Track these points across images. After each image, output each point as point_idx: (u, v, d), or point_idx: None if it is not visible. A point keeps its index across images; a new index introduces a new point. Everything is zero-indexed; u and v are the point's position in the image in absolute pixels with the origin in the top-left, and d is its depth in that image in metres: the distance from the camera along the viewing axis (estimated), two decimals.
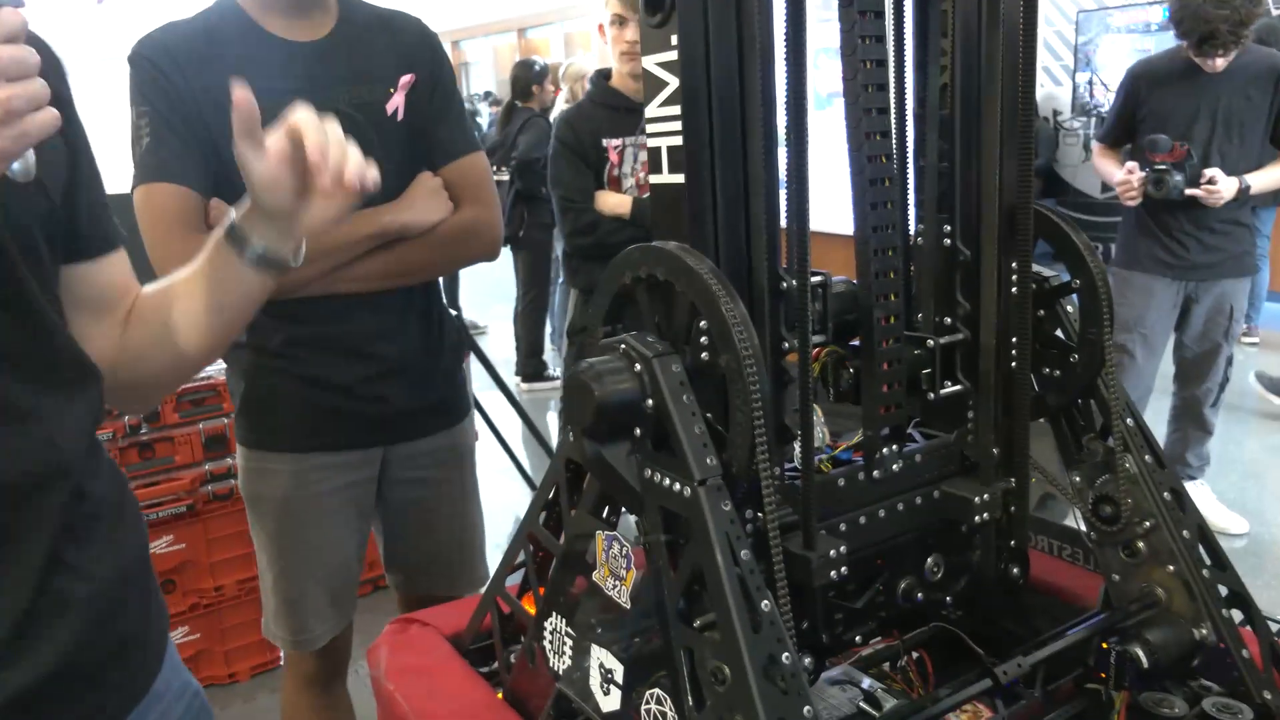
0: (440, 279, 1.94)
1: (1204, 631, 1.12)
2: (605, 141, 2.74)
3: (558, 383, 5.85)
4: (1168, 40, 5.02)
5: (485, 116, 10.73)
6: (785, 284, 1.03)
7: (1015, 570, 1.20)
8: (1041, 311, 1.22)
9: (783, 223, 1.02)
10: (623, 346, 0.95)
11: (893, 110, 1.10)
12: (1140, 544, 1.18)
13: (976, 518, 1.13)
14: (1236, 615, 1.16)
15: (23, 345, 0.92)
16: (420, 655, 1.33)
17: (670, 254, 0.94)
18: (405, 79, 1.71)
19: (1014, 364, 1.15)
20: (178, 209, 1.55)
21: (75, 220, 1.04)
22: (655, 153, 1.00)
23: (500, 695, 1.25)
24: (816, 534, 0.99)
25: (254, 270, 1.10)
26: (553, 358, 6.32)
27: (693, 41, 0.95)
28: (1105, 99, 5.53)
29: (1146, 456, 1.19)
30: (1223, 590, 1.16)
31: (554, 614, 1.13)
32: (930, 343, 1.14)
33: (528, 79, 6.09)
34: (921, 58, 1.14)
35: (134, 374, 1.13)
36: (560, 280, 5.86)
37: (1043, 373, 1.24)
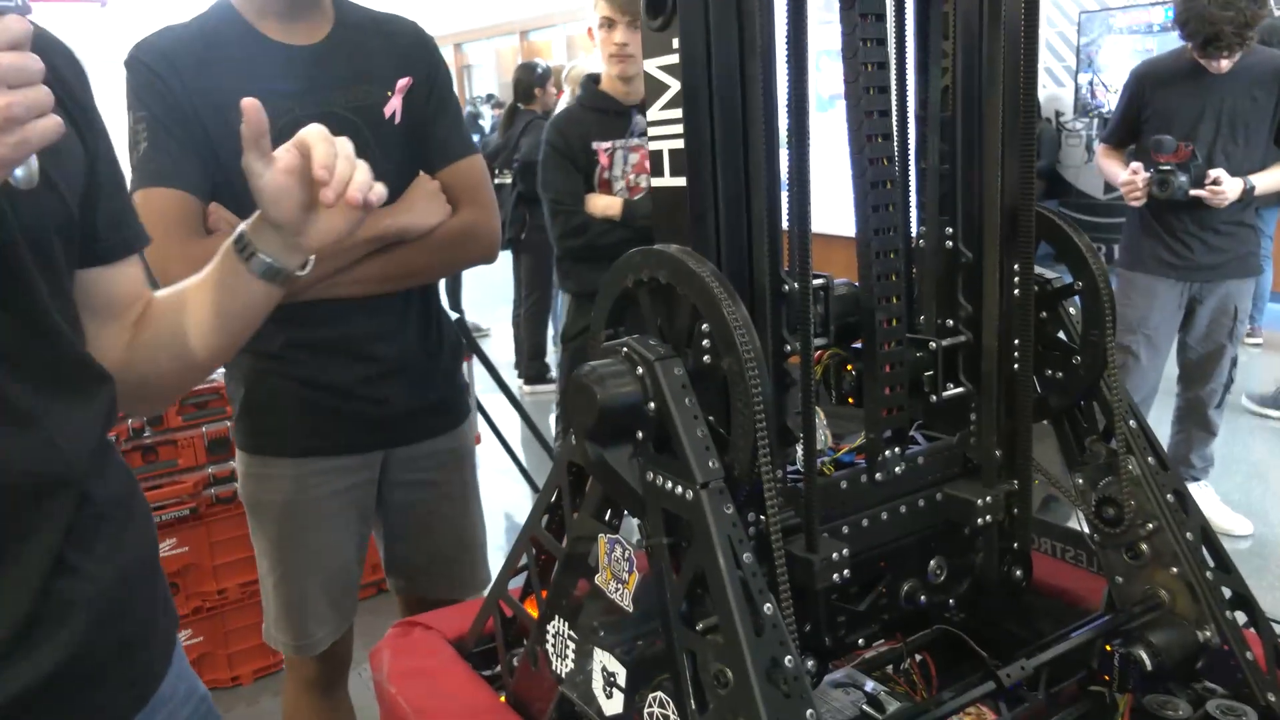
0: (442, 281, 1.94)
1: (1208, 634, 1.12)
2: (595, 144, 2.74)
3: None
4: (1170, 41, 5.02)
5: (488, 119, 10.73)
6: (787, 287, 1.03)
7: (1018, 572, 1.19)
8: (1044, 313, 1.22)
9: (784, 225, 1.02)
10: (625, 350, 0.95)
11: (894, 113, 1.10)
12: (1143, 546, 1.17)
13: (979, 520, 1.13)
14: (1240, 617, 1.16)
15: (28, 348, 0.93)
16: (423, 658, 1.33)
17: (672, 257, 0.94)
18: (402, 82, 1.71)
19: (1016, 366, 1.15)
20: (176, 213, 1.56)
21: (93, 225, 1.05)
22: (657, 156, 1.00)
23: (503, 698, 1.25)
24: (819, 537, 0.99)
25: (260, 281, 1.11)
26: (555, 360, 6.32)
27: (694, 44, 0.95)
28: (1108, 100, 5.53)
29: (1149, 458, 1.18)
30: (1226, 592, 1.16)
31: (556, 617, 1.13)
32: (932, 345, 1.14)
33: (530, 82, 6.09)
34: (923, 60, 1.14)
35: (142, 377, 1.13)
36: None
37: (1045, 375, 1.24)
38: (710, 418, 0.93)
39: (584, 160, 2.76)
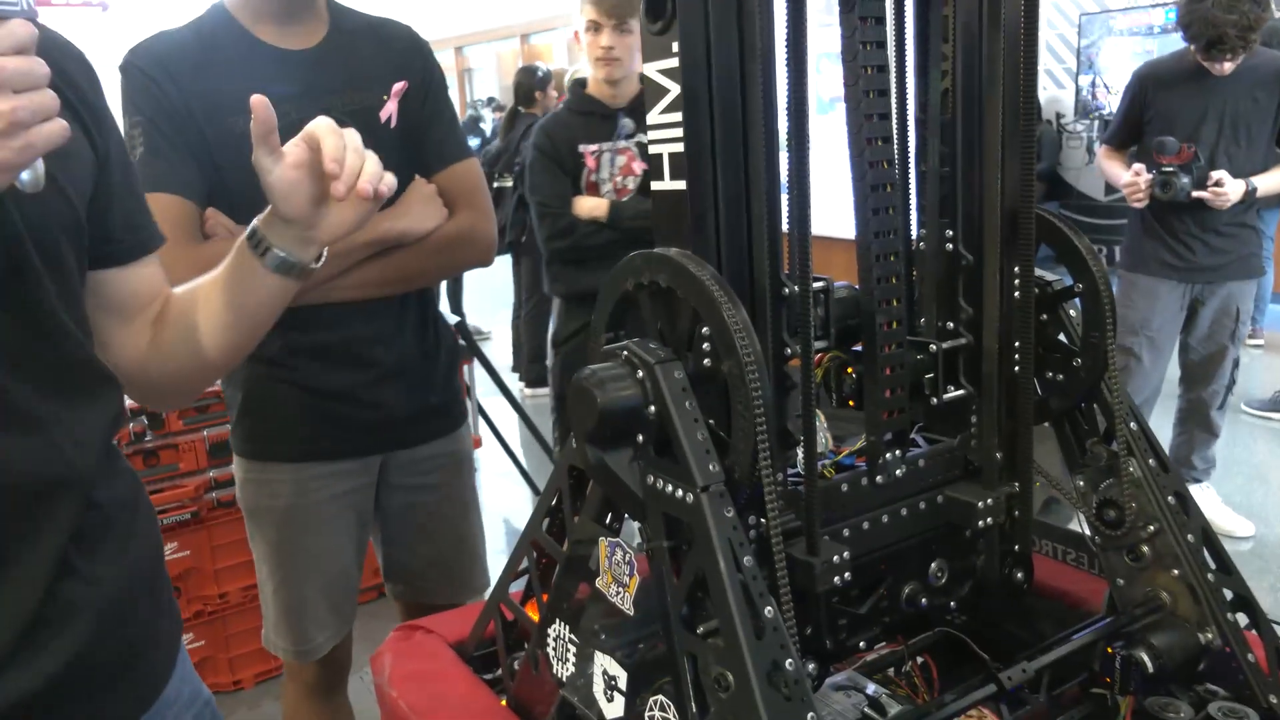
0: (444, 284, 1.94)
1: (1209, 635, 1.12)
2: (581, 147, 2.75)
3: None
4: (1170, 43, 5.02)
5: (489, 122, 10.74)
6: (787, 289, 1.03)
7: (1019, 575, 1.19)
8: (1044, 315, 1.22)
9: (784, 228, 1.02)
10: (625, 353, 0.96)
11: (894, 115, 1.10)
12: (1144, 548, 1.17)
13: (980, 522, 1.13)
14: (1242, 619, 1.16)
15: (36, 351, 0.93)
16: (424, 662, 1.33)
17: (672, 260, 0.94)
18: (398, 86, 1.71)
19: (1017, 368, 1.15)
20: (173, 219, 1.56)
21: (106, 227, 1.05)
22: (657, 159, 1.00)
23: (504, 702, 1.25)
24: (820, 539, 0.99)
25: (275, 276, 1.11)
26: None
27: (694, 48, 0.95)
28: (1108, 102, 5.53)
29: (1150, 460, 1.18)
30: (1228, 594, 1.16)
31: (557, 620, 1.13)
32: (933, 347, 1.14)
33: (531, 85, 6.09)
34: (923, 62, 1.14)
35: (161, 375, 1.14)
36: None
37: (1045, 377, 1.23)
38: (711, 421, 0.93)
39: (571, 164, 2.76)
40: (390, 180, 1.07)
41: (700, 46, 0.95)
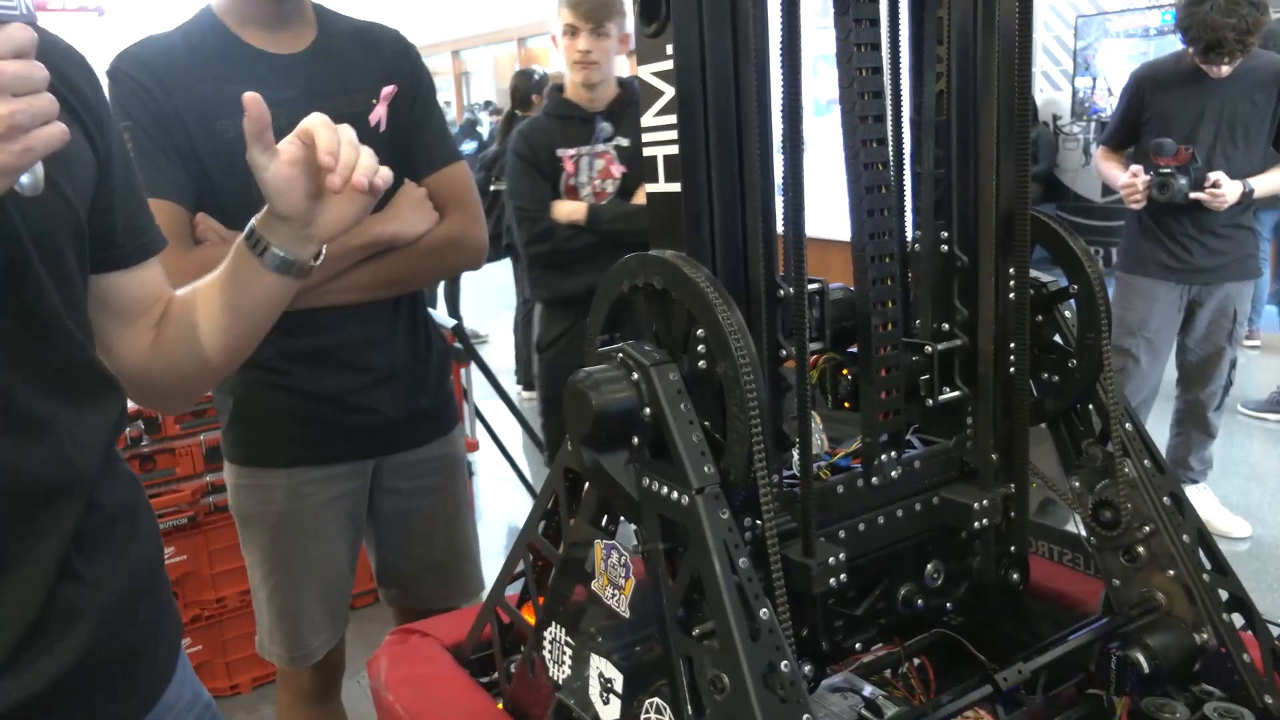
0: (442, 288, 1.94)
1: (1205, 636, 1.12)
2: (560, 152, 2.75)
3: None
4: (1166, 45, 5.03)
5: (486, 126, 10.75)
6: (782, 291, 1.03)
7: (1015, 576, 1.19)
8: (1039, 317, 1.22)
9: (779, 230, 1.02)
10: (620, 355, 0.96)
11: (889, 117, 1.10)
12: (1140, 549, 1.17)
13: (976, 523, 1.13)
14: (1238, 619, 1.16)
15: (38, 354, 0.93)
16: (420, 665, 1.33)
17: (667, 263, 0.95)
18: (387, 90, 1.71)
19: (1012, 370, 1.15)
20: (164, 224, 1.54)
21: (108, 230, 1.05)
22: (651, 161, 1.00)
23: (500, 705, 1.25)
24: (815, 541, 0.99)
25: (274, 275, 1.11)
26: None
27: (688, 50, 0.95)
28: (1106, 104, 5.54)
29: (1146, 461, 1.18)
30: (1223, 594, 1.16)
31: (553, 623, 1.13)
32: (928, 349, 1.14)
33: (527, 88, 6.10)
34: (917, 64, 1.14)
35: (164, 377, 1.14)
36: None
37: (1041, 378, 1.24)
38: (706, 423, 0.93)
39: (550, 168, 2.77)
40: (385, 174, 1.07)
41: (694, 49, 0.96)
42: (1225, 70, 3.32)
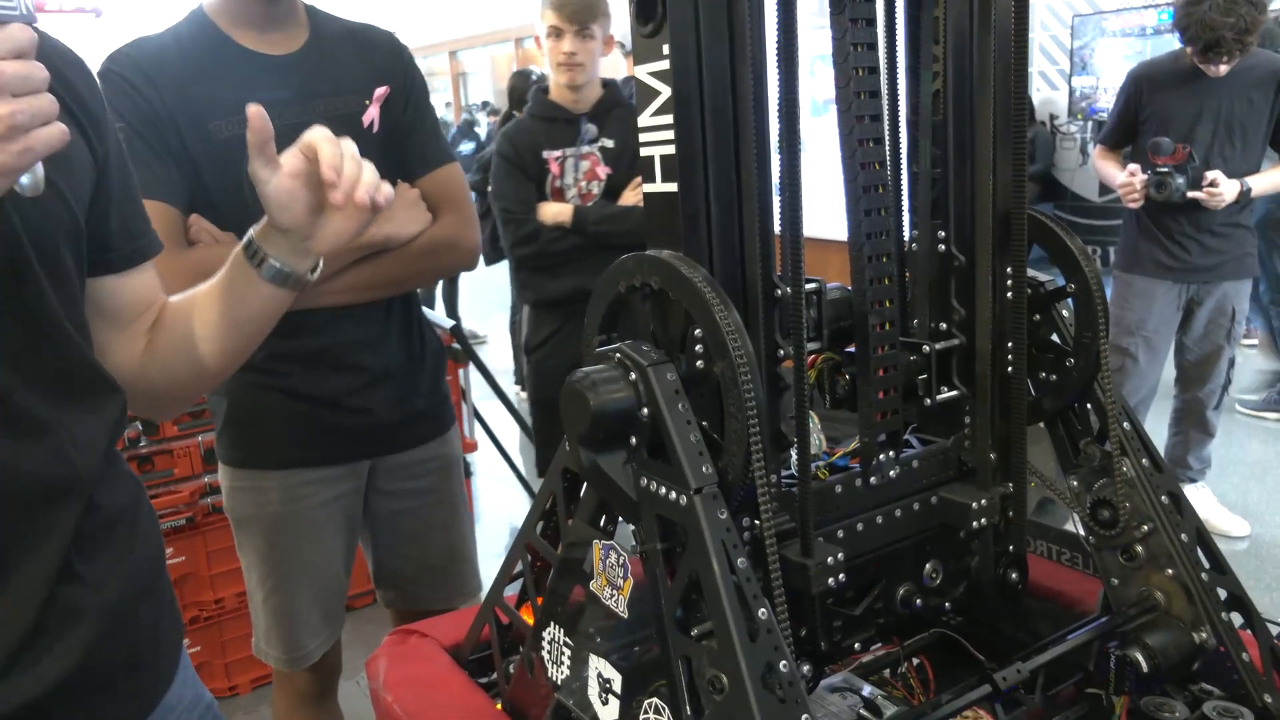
0: (440, 288, 1.95)
1: (1203, 635, 1.12)
2: (545, 154, 2.75)
3: None
4: (1163, 44, 5.03)
5: (483, 126, 10.74)
6: (779, 291, 1.03)
7: (1014, 575, 1.19)
8: (1037, 316, 1.22)
9: (777, 230, 1.02)
10: (617, 355, 0.96)
11: (886, 117, 1.10)
12: (1139, 548, 1.17)
13: (974, 523, 1.13)
14: (1236, 618, 1.16)
15: (38, 355, 0.93)
16: (419, 666, 1.33)
17: (664, 263, 0.95)
18: (380, 91, 1.71)
19: (1010, 369, 1.15)
20: (157, 225, 1.56)
21: (104, 233, 1.05)
22: (648, 162, 1.00)
23: (499, 706, 1.25)
24: (814, 541, 0.99)
25: (271, 286, 1.11)
26: None
27: (684, 50, 0.95)
28: (1104, 103, 5.54)
29: (1144, 460, 1.18)
30: (1222, 593, 1.16)
31: (552, 624, 1.13)
32: (926, 348, 1.14)
33: (525, 89, 6.05)
34: (914, 64, 1.14)
35: (157, 382, 1.14)
36: None
37: (1039, 377, 1.24)
38: (704, 423, 0.93)
39: (535, 170, 2.77)
40: (387, 190, 1.07)
41: (691, 49, 0.96)
42: (1223, 69, 3.32)
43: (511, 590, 1.28)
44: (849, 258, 1.07)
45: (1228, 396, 3.87)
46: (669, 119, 0.97)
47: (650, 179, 1.01)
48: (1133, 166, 3.47)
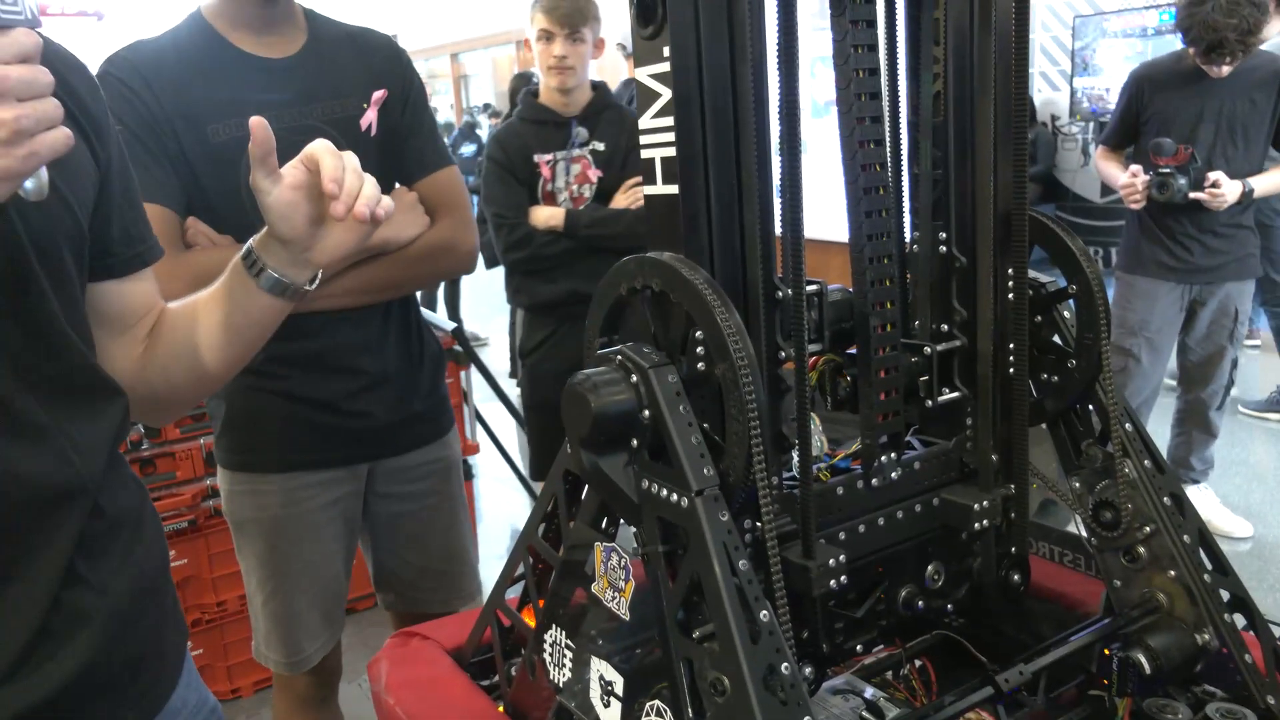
0: (442, 290, 1.95)
1: (1206, 636, 1.12)
2: (536, 157, 2.75)
3: None
4: (1164, 45, 5.03)
5: (484, 128, 10.75)
6: (781, 293, 1.03)
7: (1016, 577, 1.19)
8: (1038, 317, 1.22)
9: (777, 231, 1.02)
10: (619, 357, 0.95)
11: (887, 118, 1.10)
12: (1141, 549, 1.17)
13: (976, 525, 1.13)
14: (1239, 620, 1.15)
15: (41, 361, 0.93)
16: (421, 668, 1.33)
17: (665, 265, 0.94)
18: (378, 94, 1.72)
19: (1012, 370, 1.15)
20: (155, 228, 1.56)
21: (105, 239, 1.05)
22: (649, 164, 1.00)
23: (501, 708, 1.25)
24: (815, 543, 0.99)
25: (269, 296, 1.11)
26: None
27: (685, 52, 0.95)
28: (1106, 104, 5.54)
29: (1146, 461, 1.18)
30: (1224, 595, 1.16)
31: (554, 626, 1.13)
32: (927, 350, 1.14)
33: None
34: (914, 65, 1.14)
35: (156, 389, 1.14)
36: None
37: (1041, 378, 1.24)
38: (705, 425, 0.93)
39: (526, 173, 2.76)
40: (388, 203, 1.07)
41: (691, 50, 0.96)
42: (1226, 70, 3.32)
43: (513, 593, 1.28)
44: (850, 259, 1.07)
45: (1229, 397, 3.86)
46: (669, 121, 0.97)
47: (651, 181, 1.01)
48: (1135, 167, 3.47)
